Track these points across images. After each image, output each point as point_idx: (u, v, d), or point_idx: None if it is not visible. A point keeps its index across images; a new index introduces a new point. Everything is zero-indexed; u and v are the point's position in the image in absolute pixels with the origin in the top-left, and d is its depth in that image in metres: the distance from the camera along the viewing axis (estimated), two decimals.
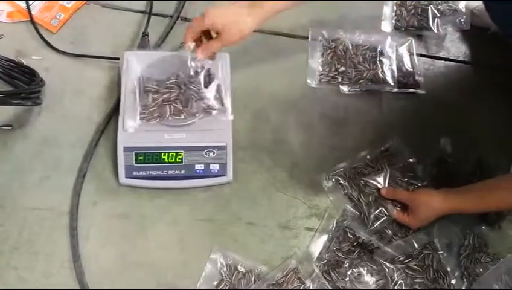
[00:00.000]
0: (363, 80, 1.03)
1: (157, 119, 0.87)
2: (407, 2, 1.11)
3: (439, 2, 1.10)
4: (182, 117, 0.88)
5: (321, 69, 1.04)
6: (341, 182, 0.93)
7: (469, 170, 0.97)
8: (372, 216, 0.90)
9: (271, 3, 0.84)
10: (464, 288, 0.88)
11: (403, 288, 0.86)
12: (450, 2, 1.10)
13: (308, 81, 1.02)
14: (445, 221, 0.90)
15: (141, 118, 0.86)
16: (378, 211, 0.90)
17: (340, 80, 1.03)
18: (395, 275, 0.87)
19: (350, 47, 1.05)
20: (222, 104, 0.89)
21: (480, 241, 0.92)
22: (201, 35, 0.87)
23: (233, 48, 1.00)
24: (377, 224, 0.89)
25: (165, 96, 0.88)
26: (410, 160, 0.96)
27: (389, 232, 0.90)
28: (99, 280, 0.83)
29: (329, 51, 1.05)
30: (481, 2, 1.09)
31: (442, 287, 0.87)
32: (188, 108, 0.88)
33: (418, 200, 0.88)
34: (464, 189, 0.86)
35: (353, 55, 1.04)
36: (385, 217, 0.90)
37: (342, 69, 1.03)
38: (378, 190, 0.92)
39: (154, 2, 1.07)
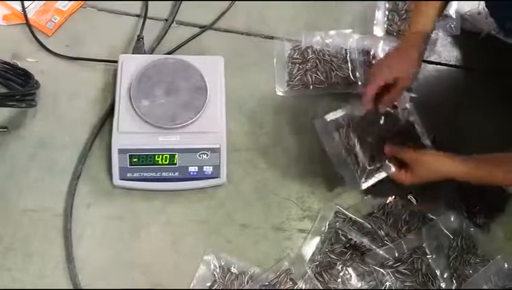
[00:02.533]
0: (333, 83, 1.03)
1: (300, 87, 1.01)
2: (399, 7, 1.12)
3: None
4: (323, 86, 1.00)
5: (287, 77, 1.04)
6: (338, 128, 0.89)
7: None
8: (366, 172, 0.87)
9: None
10: (453, 289, 0.89)
11: None
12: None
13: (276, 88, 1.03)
14: (433, 223, 0.92)
15: (287, 86, 1.00)
16: (373, 166, 0.88)
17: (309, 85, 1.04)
18: (385, 279, 0.87)
19: (319, 50, 1.06)
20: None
21: (469, 242, 0.93)
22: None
23: (227, 50, 1.02)
24: (370, 182, 0.87)
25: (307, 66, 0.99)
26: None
27: (382, 233, 0.91)
28: (92, 281, 0.84)
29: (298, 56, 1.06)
30: (472, 6, 1.11)
31: None
32: (329, 79, 0.98)
33: (422, 159, 0.85)
34: (471, 158, 0.84)
35: (324, 59, 1.05)
36: (379, 178, 0.88)
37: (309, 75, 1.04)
38: (378, 144, 0.89)
39: (149, 5, 1.07)
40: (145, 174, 0.88)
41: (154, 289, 0.84)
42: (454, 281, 0.89)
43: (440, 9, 0.90)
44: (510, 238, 0.95)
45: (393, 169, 0.88)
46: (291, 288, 0.85)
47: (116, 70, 0.95)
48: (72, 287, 0.83)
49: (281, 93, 1.03)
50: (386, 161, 0.88)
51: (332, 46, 1.07)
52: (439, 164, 0.84)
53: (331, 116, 0.89)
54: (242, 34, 1.08)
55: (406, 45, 0.89)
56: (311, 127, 0.99)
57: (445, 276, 0.89)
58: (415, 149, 0.88)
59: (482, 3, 1.05)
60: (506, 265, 0.90)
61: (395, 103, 0.92)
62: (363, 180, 0.87)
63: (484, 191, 0.97)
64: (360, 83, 1.04)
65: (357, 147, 0.88)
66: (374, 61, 1.06)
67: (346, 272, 0.88)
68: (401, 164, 0.87)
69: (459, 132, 1.03)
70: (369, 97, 0.86)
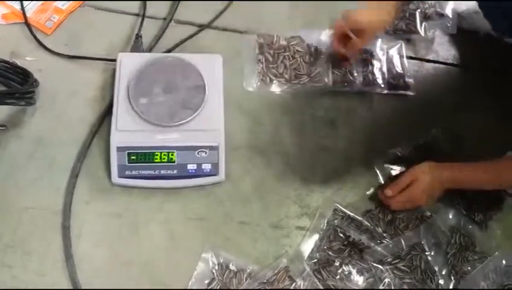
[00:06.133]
0: (301, 79, 1.04)
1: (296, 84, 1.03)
2: None
3: (427, 6, 1.12)
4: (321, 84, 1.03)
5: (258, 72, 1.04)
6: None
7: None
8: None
9: None
10: (451, 287, 0.89)
11: (392, 288, 0.87)
12: (437, 7, 1.12)
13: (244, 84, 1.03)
14: (431, 221, 0.92)
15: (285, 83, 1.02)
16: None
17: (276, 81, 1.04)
18: (384, 276, 0.88)
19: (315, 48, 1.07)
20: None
21: (468, 240, 0.93)
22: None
23: (226, 49, 1.03)
24: None
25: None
26: None
27: (379, 229, 0.91)
28: (91, 278, 0.84)
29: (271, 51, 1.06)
30: (469, 5, 1.12)
31: (430, 288, 0.88)
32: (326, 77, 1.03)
33: (419, 170, 0.89)
34: (469, 163, 0.89)
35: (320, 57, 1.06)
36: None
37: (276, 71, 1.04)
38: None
39: (147, 4, 1.08)
40: (143, 172, 0.88)
41: (153, 289, 0.84)
42: (452, 278, 0.89)
43: None
44: (508, 236, 0.95)
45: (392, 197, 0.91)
46: (289, 285, 0.85)
47: (114, 69, 0.95)
48: (71, 284, 0.83)
49: (278, 91, 1.03)
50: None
51: (328, 44, 1.07)
52: (437, 172, 0.88)
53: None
54: (240, 32, 1.09)
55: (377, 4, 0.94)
56: (311, 124, 1.00)
57: (443, 273, 0.89)
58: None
59: None
60: (503, 262, 0.91)
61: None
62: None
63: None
64: (357, 81, 1.04)
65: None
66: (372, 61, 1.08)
67: (345, 269, 0.88)
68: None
69: (457, 130, 1.04)
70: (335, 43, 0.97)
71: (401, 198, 0.90)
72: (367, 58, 1.07)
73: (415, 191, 0.89)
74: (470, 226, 0.94)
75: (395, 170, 0.97)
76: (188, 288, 0.84)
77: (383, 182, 0.96)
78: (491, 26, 0.99)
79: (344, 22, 0.94)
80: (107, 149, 0.90)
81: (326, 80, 1.04)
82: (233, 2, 1.12)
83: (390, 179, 0.95)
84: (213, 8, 1.11)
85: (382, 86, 1.05)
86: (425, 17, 1.12)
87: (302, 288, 0.85)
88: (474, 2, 0.99)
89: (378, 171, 0.97)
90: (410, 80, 1.07)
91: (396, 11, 0.95)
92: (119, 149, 0.88)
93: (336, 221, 0.92)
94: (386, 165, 0.98)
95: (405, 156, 0.98)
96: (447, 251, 0.91)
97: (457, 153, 0.99)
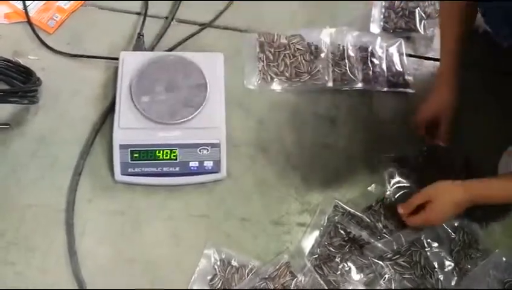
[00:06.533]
0: (302, 78, 1.05)
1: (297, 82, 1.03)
2: (395, 4, 1.14)
3: (426, 4, 1.13)
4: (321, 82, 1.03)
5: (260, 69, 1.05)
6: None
7: (457, 167, 0.99)
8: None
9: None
10: (454, 284, 0.89)
11: (392, 284, 0.88)
12: (437, 5, 1.13)
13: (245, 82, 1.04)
14: None
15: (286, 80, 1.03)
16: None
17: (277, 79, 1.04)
18: (384, 272, 0.88)
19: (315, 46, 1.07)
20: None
21: (471, 237, 0.94)
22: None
23: (227, 48, 1.03)
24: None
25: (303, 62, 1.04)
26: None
27: (380, 225, 0.92)
28: (95, 275, 0.85)
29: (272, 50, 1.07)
30: None
31: (430, 283, 0.89)
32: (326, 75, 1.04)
33: (433, 192, 0.87)
34: (484, 180, 0.86)
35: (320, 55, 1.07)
36: None
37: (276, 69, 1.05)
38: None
39: (149, 3, 1.09)
40: (146, 169, 0.89)
41: (156, 289, 0.85)
42: (455, 275, 0.90)
43: (462, 43, 0.96)
44: (508, 234, 0.96)
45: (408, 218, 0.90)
46: (290, 281, 0.86)
47: (116, 68, 0.96)
48: (74, 281, 0.83)
49: (279, 90, 1.04)
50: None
51: (329, 43, 1.08)
52: (453, 191, 0.86)
53: None
54: (241, 31, 1.09)
55: (436, 83, 0.98)
56: (311, 122, 1.01)
57: (444, 269, 0.90)
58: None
59: None
60: (504, 259, 0.91)
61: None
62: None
63: None
64: (357, 79, 1.05)
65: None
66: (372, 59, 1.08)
67: (345, 265, 0.88)
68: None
69: (457, 128, 1.04)
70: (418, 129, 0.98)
71: (417, 220, 0.89)
72: (367, 57, 1.08)
73: (431, 214, 0.87)
74: (471, 224, 0.94)
75: (399, 169, 0.98)
76: (190, 284, 0.85)
77: (387, 180, 0.97)
78: (493, 32, 0.99)
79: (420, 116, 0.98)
80: (110, 147, 0.90)
81: (326, 78, 1.05)
82: (234, 1, 1.12)
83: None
84: (214, 7, 1.12)
85: (382, 83, 1.06)
86: (425, 15, 1.12)
87: (303, 283, 0.86)
88: None
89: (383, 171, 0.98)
90: (409, 78, 1.08)
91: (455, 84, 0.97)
92: (122, 147, 0.89)
93: (336, 217, 0.92)
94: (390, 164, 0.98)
95: (410, 157, 0.99)
96: (451, 248, 0.92)
97: (457, 152, 1.00)
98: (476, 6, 0.93)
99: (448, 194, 0.86)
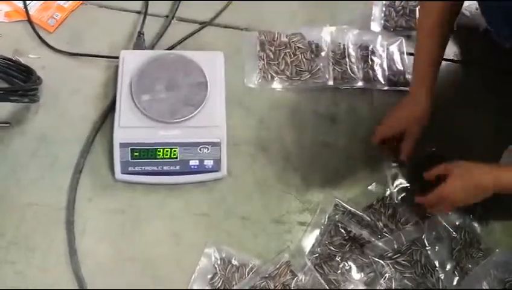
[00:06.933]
0: (302, 76, 1.04)
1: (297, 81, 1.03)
2: (396, 2, 1.13)
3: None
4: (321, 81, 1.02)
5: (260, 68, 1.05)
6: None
7: None
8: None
9: None
10: (455, 283, 0.89)
11: (393, 283, 0.88)
12: None
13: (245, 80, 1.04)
14: (432, 216, 0.93)
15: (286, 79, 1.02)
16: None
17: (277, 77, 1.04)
18: (384, 271, 0.88)
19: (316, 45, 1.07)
20: None
21: (472, 236, 0.94)
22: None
23: (227, 47, 1.03)
24: None
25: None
26: None
27: (380, 224, 0.92)
28: (95, 274, 0.85)
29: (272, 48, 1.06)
30: (470, 2, 1.12)
31: (431, 282, 0.89)
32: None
33: (456, 167, 0.80)
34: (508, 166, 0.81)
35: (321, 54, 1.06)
36: None
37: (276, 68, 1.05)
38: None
39: (149, 2, 1.09)
40: (146, 168, 0.89)
41: (156, 289, 0.85)
42: (456, 274, 0.90)
43: (438, 64, 0.91)
44: (509, 233, 0.96)
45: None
46: (291, 280, 0.86)
47: (117, 66, 0.96)
48: (75, 280, 0.83)
49: (279, 88, 1.04)
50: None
51: (330, 41, 1.07)
52: (477, 174, 0.79)
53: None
54: (241, 29, 1.09)
55: (408, 99, 0.92)
56: (312, 121, 1.00)
57: (444, 268, 0.90)
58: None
59: None
60: (504, 258, 0.91)
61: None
62: None
63: None
64: (357, 78, 1.05)
65: None
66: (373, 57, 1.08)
67: (346, 264, 0.88)
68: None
69: (457, 126, 1.04)
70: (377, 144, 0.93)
71: (433, 197, 0.83)
72: (367, 55, 1.07)
73: (444, 189, 0.81)
74: (472, 223, 0.94)
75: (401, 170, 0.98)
76: (191, 283, 0.85)
77: (390, 181, 0.97)
78: (494, 33, 0.99)
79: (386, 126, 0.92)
80: (110, 146, 0.90)
81: (327, 76, 1.05)
82: (234, 0, 1.12)
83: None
84: (214, 5, 1.11)
85: (382, 82, 1.06)
86: None
87: (303, 282, 0.86)
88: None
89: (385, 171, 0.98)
90: (410, 77, 1.07)
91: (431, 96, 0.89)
92: (122, 145, 0.89)
93: (336, 216, 0.92)
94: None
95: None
96: (452, 247, 0.92)
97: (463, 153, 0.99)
98: (461, 5, 0.91)
99: (468, 174, 0.79)
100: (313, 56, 1.06)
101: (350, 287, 0.87)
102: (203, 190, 0.93)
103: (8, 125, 0.93)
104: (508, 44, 0.90)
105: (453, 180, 0.80)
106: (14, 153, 0.92)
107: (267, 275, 0.86)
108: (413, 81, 0.93)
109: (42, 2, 1.06)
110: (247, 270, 0.86)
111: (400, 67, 1.08)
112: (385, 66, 1.07)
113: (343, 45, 1.08)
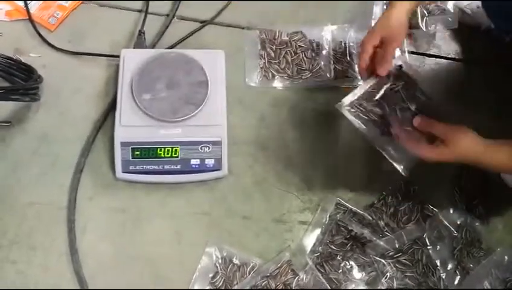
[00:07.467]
0: (303, 75, 1.04)
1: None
2: None
3: (428, 1, 1.12)
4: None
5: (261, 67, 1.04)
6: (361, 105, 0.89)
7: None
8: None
9: None
10: (457, 282, 0.89)
11: (394, 282, 0.88)
12: (438, 1, 1.12)
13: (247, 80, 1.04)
14: (434, 215, 0.93)
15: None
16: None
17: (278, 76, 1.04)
18: (386, 270, 0.88)
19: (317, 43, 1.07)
20: None
21: (473, 235, 0.94)
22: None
23: (228, 45, 1.03)
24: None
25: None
26: None
27: (382, 223, 0.92)
28: (96, 273, 0.85)
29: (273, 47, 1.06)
30: (470, 1, 1.12)
31: (432, 281, 0.89)
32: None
33: (458, 132, 0.79)
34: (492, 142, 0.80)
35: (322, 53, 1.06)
36: None
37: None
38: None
39: (150, 1, 1.08)
40: (147, 167, 0.89)
41: (157, 289, 0.85)
42: (457, 273, 0.90)
43: None
44: (509, 231, 0.96)
45: (421, 146, 0.81)
46: (292, 279, 0.86)
47: (118, 65, 0.95)
48: (76, 279, 0.84)
49: (281, 86, 1.04)
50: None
51: (331, 40, 1.07)
52: (474, 141, 0.79)
53: (350, 98, 0.89)
54: (242, 28, 1.09)
55: (390, 7, 0.89)
56: (313, 119, 1.00)
57: (446, 267, 0.90)
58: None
59: None
60: (506, 258, 0.91)
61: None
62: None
63: (483, 182, 0.97)
64: (359, 76, 1.05)
65: (389, 119, 0.87)
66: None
67: (347, 263, 0.89)
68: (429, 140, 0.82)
69: (458, 124, 1.04)
70: (362, 69, 0.89)
71: (432, 154, 0.80)
72: None
73: (436, 155, 0.79)
74: (477, 223, 0.94)
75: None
76: (192, 282, 0.85)
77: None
78: (494, 27, 0.98)
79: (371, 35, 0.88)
80: (111, 145, 0.90)
81: (328, 75, 1.05)
82: (234, 0, 1.12)
83: None
84: (215, 4, 1.11)
85: None
86: (427, 12, 1.12)
87: (304, 282, 0.86)
88: None
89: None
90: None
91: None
92: (123, 144, 0.89)
93: (338, 215, 0.92)
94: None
95: None
96: (453, 246, 0.92)
97: None
98: None
99: (472, 140, 0.80)
100: (314, 55, 1.06)
101: (351, 287, 0.87)
102: (204, 189, 0.93)
103: (9, 124, 0.93)
104: (508, 38, 0.90)
105: (445, 150, 0.79)
106: (15, 152, 0.92)
107: (268, 274, 0.86)
108: None
109: (43, 0, 1.06)
110: (248, 269, 0.86)
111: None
112: None
113: (344, 43, 1.08)
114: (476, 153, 0.79)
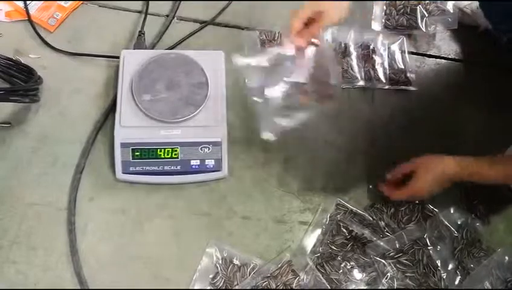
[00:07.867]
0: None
1: None
2: (397, 2, 1.13)
3: (428, 1, 1.13)
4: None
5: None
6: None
7: None
8: None
9: None
10: (457, 282, 0.89)
11: (394, 282, 0.88)
12: (438, 2, 1.12)
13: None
14: (434, 215, 0.93)
15: None
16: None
17: None
18: (386, 270, 0.88)
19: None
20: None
21: (474, 235, 0.93)
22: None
23: (228, 46, 1.03)
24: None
25: None
26: None
27: (382, 223, 0.92)
28: (96, 273, 0.85)
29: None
30: (470, 1, 1.12)
31: (432, 282, 0.89)
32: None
33: (424, 161, 0.84)
34: (474, 158, 0.84)
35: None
36: None
37: None
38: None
39: (150, 1, 1.09)
40: (147, 167, 0.89)
41: (156, 289, 0.85)
42: (458, 273, 0.90)
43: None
44: (510, 231, 0.95)
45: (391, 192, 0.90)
46: (292, 279, 0.86)
47: (117, 66, 0.96)
48: (76, 279, 0.83)
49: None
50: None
51: (331, 40, 1.07)
52: (445, 165, 0.84)
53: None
54: (242, 29, 1.09)
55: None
56: (311, 119, 1.00)
57: (446, 267, 0.90)
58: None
59: None
60: (506, 258, 0.91)
61: (314, 40, 0.87)
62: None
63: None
64: (358, 77, 1.05)
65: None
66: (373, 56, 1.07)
67: (348, 264, 0.88)
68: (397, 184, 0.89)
69: (458, 124, 1.04)
70: (294, 30, 0.83)
71: (402, 194, 0.88)
72: (369, 54, 1.07)
73: (416, 183, 0.86)
74: (478, 223, 0.94)
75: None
76: (192, 282, 0.85)
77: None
78: (491, 27, 0.99)
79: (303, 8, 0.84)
80: (111, 145, 0.90)
81: None
82: (234, 1, 1.12)
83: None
84: (215, 4, 1.11)
85: (384, 81, 1.05)
86: (427, 13, 1.12)
87: (305, 282, 0.86)
88: None
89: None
90: (411, 75, 1.07)
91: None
92: (123, 145, 0.89)
93: (338, 215, 0.92)
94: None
95: None
96: (453, 246, 0.91)
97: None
98: None
99: (438, 165, 0.84)
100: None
101: (352, 287, 0.87)
102: (204, 190, 0.92)
103: (9, 125, 0.93)
104: (506, 37, 0.90)
105: (423, 175, 0.85)
106: (15, 153, 0.92)
107: (268, 275, 0.86)
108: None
109: (42, 1, 1.06)
110: (248, 269, 0.86)
111: (401, 66, 1.08)
112: (386, 65, 1.07)
113: (344, 44, 1.08)
114: (454, 174, 0.84)
